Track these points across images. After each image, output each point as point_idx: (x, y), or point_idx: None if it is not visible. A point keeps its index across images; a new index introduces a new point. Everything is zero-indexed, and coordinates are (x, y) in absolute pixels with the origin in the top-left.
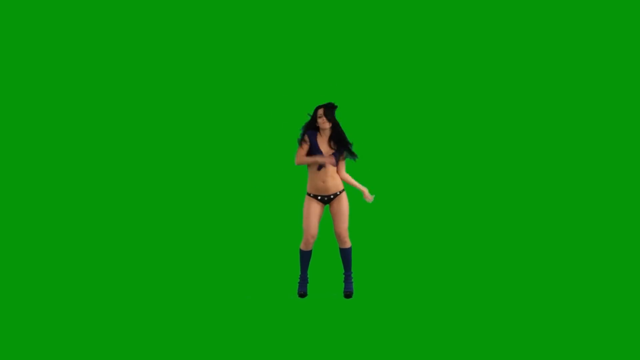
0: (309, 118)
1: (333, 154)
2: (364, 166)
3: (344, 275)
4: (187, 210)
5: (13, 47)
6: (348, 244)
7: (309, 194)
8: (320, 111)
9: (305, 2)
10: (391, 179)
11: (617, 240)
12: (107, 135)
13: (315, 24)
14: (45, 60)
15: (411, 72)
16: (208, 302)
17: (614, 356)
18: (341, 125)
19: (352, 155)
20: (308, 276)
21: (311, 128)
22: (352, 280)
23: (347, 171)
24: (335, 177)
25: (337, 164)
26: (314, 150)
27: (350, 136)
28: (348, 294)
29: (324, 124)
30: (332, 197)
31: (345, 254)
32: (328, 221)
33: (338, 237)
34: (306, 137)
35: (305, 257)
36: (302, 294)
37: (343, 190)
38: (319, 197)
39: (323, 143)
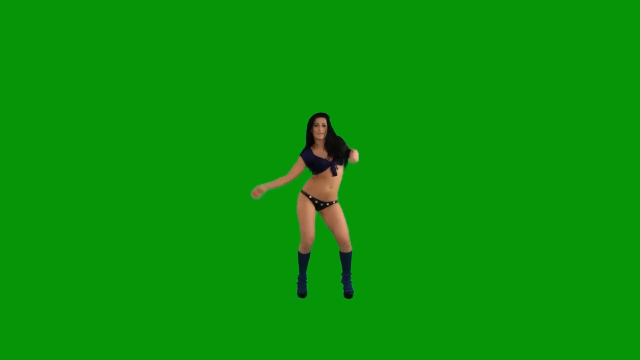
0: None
1: (334, 160)
2: (363, 166)
3: (342, 276)
4: (185, 211)
5: (13, 47)
6: (350, 247)
7: (306, 195)
8: (322, 119)
9: (304, 2)
10: (390, 179)
11: (617, 240)
12: (106, 136)
13: (313, 25)
14: (45, 60)
15: (410, 73)
16: (208, 302)
17: (614, 356)
18: (341, 125)
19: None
20: (306, 276)
21: (309, 144)
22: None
23: (347, 173)
24: (338, 186)
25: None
26: (317, 163)
27: (349, 137)
28: (349, 294)
29: (320, 134)
30: (328, 204)
31: (347, 257)
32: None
33: (341, 242)
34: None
35: (304, 259)
36: (302, 293)
37: (337, 201)
38: (317, 201)
39: (321, 152)
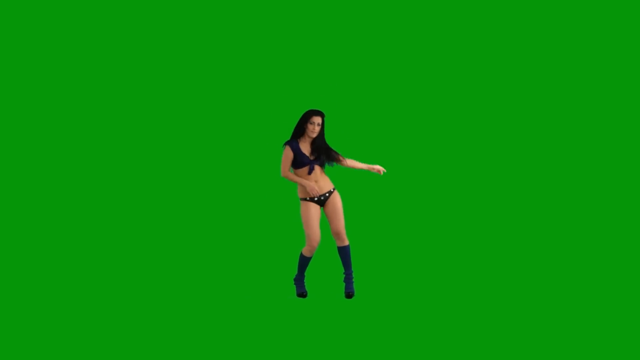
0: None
1: (315, 159)
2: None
3: (344, 275)
4: (185, 212)
5: (13, 47)
6: (347, 241)
7: (304, 199)
8: (318, 119)
9: (302, 3)
10: (390, 178)
11: (617, 240)
12: (106, 137)
13: (311, 26)
14: (45, 60)
15: (408, 72)
16: (208, 303)
17: (613, 356)
18: (339, 125)
19: (330, 163)
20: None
21: (296, 136)
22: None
23: (343, 171)
24: (324, 175)
25: (322, 168)
26: (299, 158)
27: (347, 136)
28: (349, 294)
29: (313, 132)
30: (327, 195)
31: (345, 252)
32: (324, 221)
33: (337, 235)
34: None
35: (307, 261)
36: (302, 293)
37: (334, 188)
38: (316, 199)
39: (306, 149)
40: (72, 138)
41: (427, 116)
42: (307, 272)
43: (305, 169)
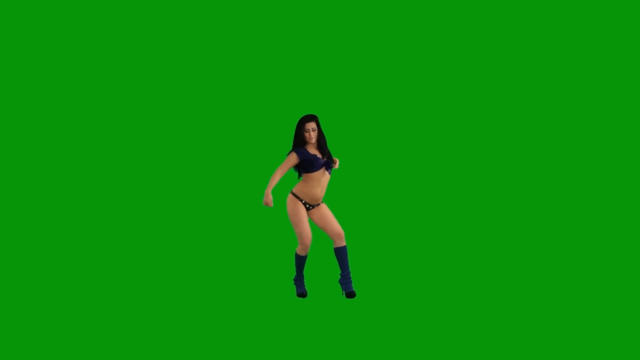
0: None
1: (327, 160)
2: (361, 166)
3: (341, 276)
4: (184, 212)
5: (13, 47)
6: (344, 241)
7: (296, 197)
8: (312, 124)
9: (300, 4)
10: (385, 178)
11: (617, 240)
12: (105, 137)
13: (308, 27)
14: (45, 60)
15: (405, 73)
16: (208, 303)
17: (613, 356)
18: (338, 124)
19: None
20: (304, 276)
21: (298, 145)
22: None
23: (345, 172)
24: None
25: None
26: (315, 161)
27: (346, 136)
28: (350, 294)
29: (312, 139)
30: (315, 206)
31: (343, 253)
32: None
33: (337, 236)
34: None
35: (303, 260)
36: (303, 293)
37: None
38: (307, 205)
39: (314, 152)
40: (71, 138)
41: (426, 116)
42: (307, 273)
43: (321, 172)
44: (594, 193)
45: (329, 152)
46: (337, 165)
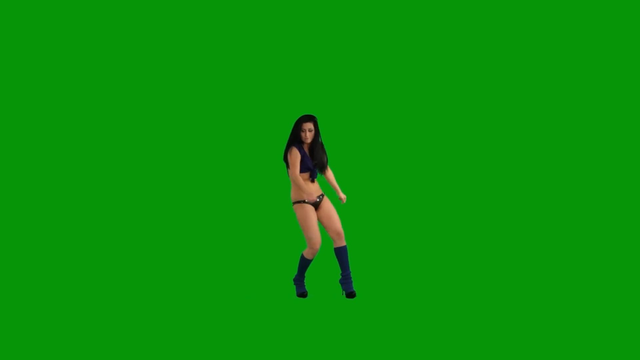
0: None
1: (315, 165)
2: (360, 166)
3: (341, 276)
4: (182, 213)
5: (13, 48)
6: (344, 241)
7: (298, 202)
8: (309, 124)
9: (298, 5)
10: (387, 178)
11: (617, 239)
12: (105, 138)
13: (306, 28)
14: (45, 60)
15: (405, 72)
16: (208, 303)
17: (613, 356)
18: (338, 124)
19: (321, 170)
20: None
21: (295, 142)
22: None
23: (345, 172)
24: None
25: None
26: (306, 161)
27: (346, 136)
28: (351, 294)
29: (307, 139)
30: (321, 197)
31: (344, 253)
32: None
33: (337, 236)
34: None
35: (308, 263)
36: (303, 293)
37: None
38: (312, 203)
39: (306, 153)
40: (71, 138)
41: (425, 116)
42: (307, 273)
43: (307, 174)
44: (593, 193)
45: (320, 159)
46: (343, 202)
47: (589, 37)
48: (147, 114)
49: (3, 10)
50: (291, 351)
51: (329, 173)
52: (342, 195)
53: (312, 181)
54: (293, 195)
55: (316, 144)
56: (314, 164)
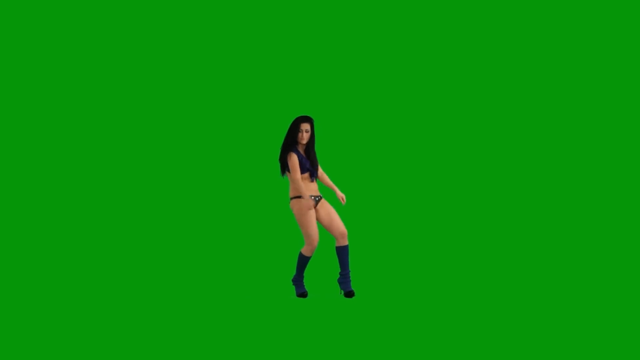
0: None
1: (311, 168)
2: (361, 166)
3: (340, 275)
4: (182, 213)
5: (13, 48)
6: (347, 241)
7: (299, 197)
8: (306, 125)
9: (297, 5)
10: (387, 179)
11: (617, 239)
12: (104, 138)
13: (303, 29)
14: (45, 61)
15: (405, 72)
16: (207, 303)
17: (613, 356)
18: (338, 124)
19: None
20: (303, 277)
21: (290, 144)
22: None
23: (345, 172)
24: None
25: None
26: (304, 163)
27: (346, 136)
28: (349, 293)
29: (303, 139)
30: (318, 198)
31: (345, 252)
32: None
33: (341, 235)
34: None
35: (306, 261)
36: (303, 293)
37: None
38: (313, 197)
39: (302, 155)
40: (71, 138)
41: (425, 116)
42: (306, 272)
43: (307, 174)
44: (593, 192)
45: (314, 158)
46: (343, 202)
47: (589, 37)
48: (145, 114)
49: (3, 10)
50: (291, 351)
51: (322, 173)
52: (341, 195)
53: (312, 181)
54: (292, 192)
55: (311, 145)
56: (311, 165)
